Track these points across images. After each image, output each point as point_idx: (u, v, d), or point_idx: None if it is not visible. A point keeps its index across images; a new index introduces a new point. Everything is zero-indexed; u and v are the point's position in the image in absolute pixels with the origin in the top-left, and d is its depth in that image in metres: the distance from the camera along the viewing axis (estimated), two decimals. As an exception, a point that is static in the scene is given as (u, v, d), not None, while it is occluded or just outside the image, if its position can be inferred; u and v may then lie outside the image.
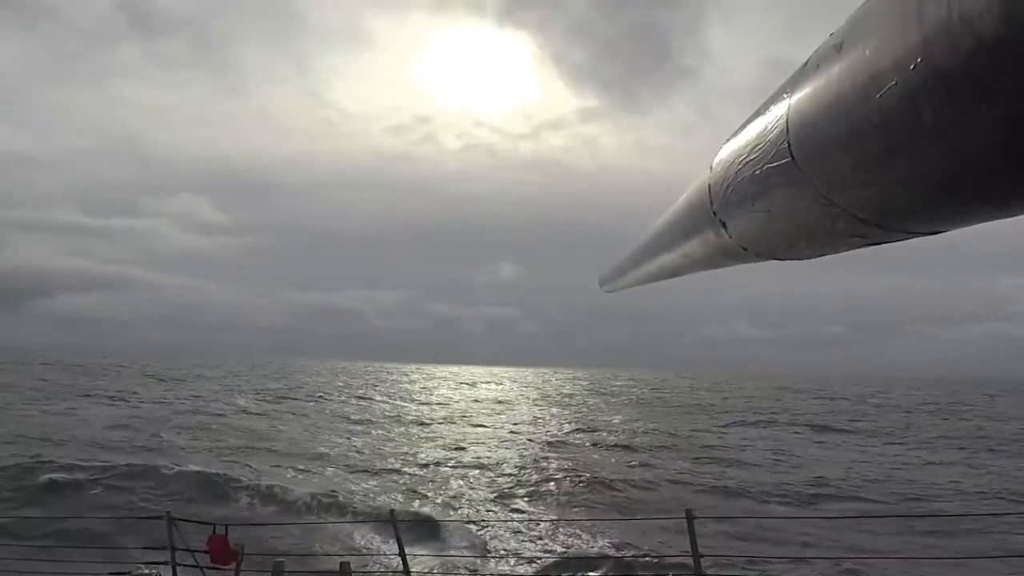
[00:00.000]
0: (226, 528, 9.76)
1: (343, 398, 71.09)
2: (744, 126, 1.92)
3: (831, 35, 1.46)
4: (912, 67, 1.07)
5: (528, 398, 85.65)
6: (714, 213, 2.14)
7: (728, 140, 2.07)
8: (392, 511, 10.50)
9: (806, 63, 1.54)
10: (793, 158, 1.53)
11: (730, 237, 2.12)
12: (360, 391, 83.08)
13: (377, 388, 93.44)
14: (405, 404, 68.24)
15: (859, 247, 1.70)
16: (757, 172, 1.73)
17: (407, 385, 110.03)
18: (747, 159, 1.79)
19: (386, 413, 56.81)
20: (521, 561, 17.76)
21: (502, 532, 20.10)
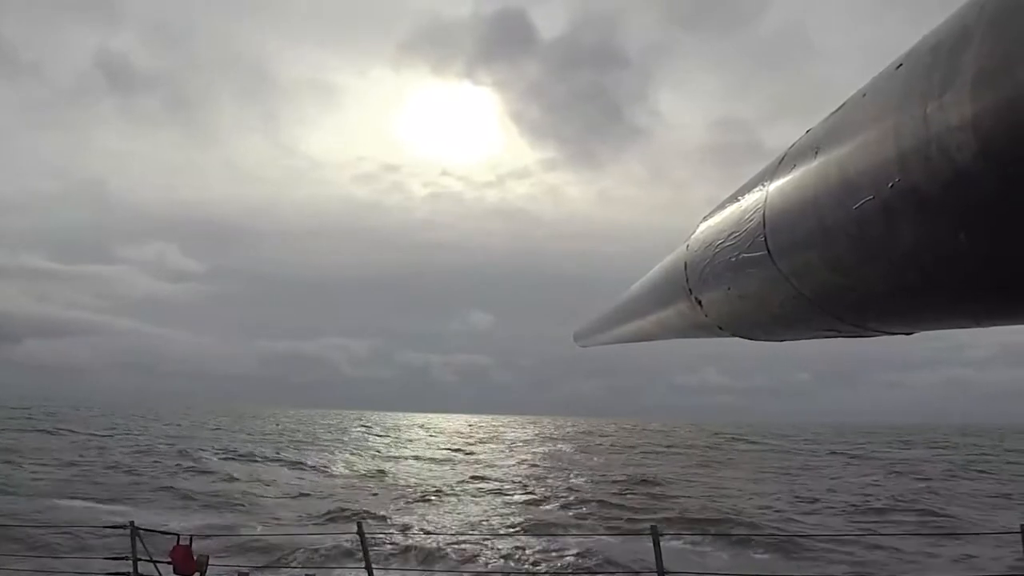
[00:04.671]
0: (190, 538, 9.64)
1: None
2: (721, 208, 1.96)
3: (808, 132, 1.49)
4: (891, 185, 1.08)
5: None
6: (690, 291, 2.19)
7: (705, 219, 2.11)
8: (359, 524, 10.44)
9: (783, 157, 1.57)
10: (769, 252, 1.56)
11: (706, 315, 2.16)
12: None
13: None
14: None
15: (833, 338, 1.73)
16: (733, 259, 1.77)
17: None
18: (724, 244, 1.83)
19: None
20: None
21: (468, 548, 20.00)
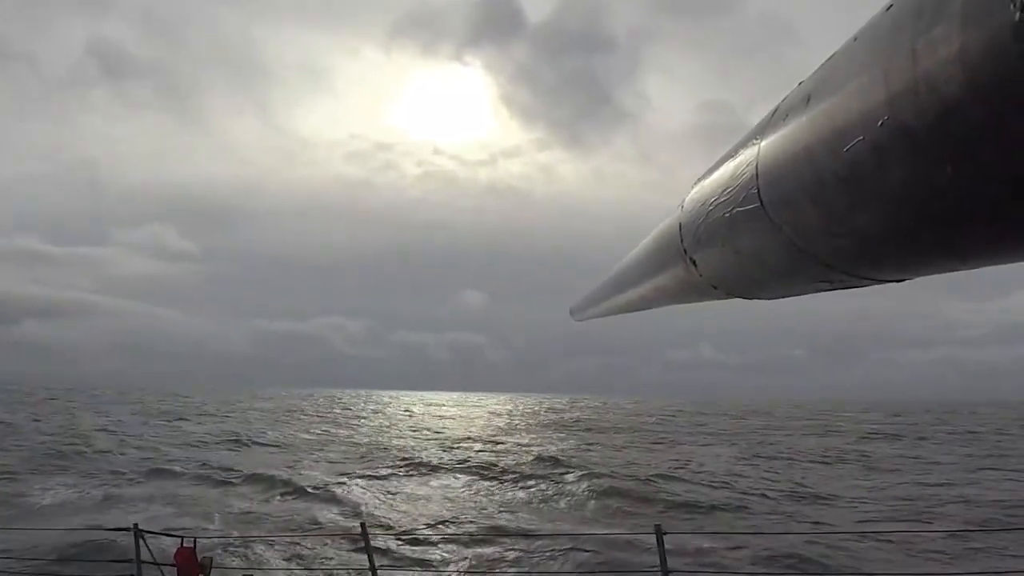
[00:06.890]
0: (194, 541, 9.63)
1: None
2: (715, 168, 1.96)
3: (799, 84, 1.50)
4: (880, 124, 1.09)
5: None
6: (684, 251, 2.19)
7: (699, 181, 2.11)
8: (363, 524, 10.43)
9: (775, 111, 1.58)
10: (762, 204, 1.57)
11: (700, 275, 2.17)
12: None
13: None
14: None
15: (827, 291, 1.74)
16: (727, 215, 1.77)
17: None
18: (718, 201, 1.83)
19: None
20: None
21: (469, 547, 20.00)
